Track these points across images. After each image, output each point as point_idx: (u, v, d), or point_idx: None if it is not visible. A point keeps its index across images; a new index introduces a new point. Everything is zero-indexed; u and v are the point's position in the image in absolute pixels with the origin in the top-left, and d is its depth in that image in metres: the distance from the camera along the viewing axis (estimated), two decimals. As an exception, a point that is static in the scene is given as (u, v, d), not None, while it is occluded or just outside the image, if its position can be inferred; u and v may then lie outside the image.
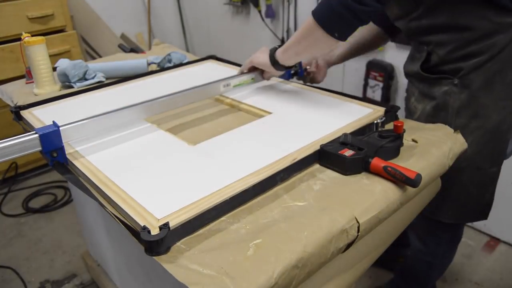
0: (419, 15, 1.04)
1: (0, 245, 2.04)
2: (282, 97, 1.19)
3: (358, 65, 2.21)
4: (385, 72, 2.12)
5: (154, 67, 1.50)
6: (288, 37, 2.62)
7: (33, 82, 1.33)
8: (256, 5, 2.69)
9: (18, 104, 1.19)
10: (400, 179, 0.78)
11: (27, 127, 1.08)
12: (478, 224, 2.01)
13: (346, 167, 0.83)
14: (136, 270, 1.12)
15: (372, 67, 2.17)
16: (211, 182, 0.78)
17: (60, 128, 0.86)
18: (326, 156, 0.86)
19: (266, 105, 1.13)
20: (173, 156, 0.89)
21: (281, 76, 1.31)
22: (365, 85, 2.25)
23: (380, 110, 1.06)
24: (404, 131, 0.89)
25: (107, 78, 1.38)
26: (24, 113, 1.13)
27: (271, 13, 2.65)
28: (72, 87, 1.32)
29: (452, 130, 0.98)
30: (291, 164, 0.83)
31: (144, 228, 0.65)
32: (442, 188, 1.07)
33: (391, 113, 1.04)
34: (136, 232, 0.66)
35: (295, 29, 2.58)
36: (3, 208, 2.30)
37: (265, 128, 1.00)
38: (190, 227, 0.68)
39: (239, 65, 1.43)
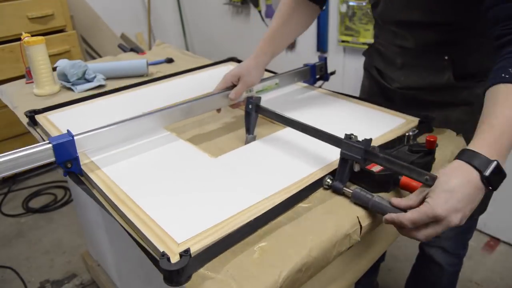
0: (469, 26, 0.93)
1: (0, 245, 2.04)
2: (307, 104, 1.12)
3: (357, 65, 2.21)
4: (385, 72, 2.11)
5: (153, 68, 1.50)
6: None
7: (33, 82, 1.33)
8: (256, 5, 2.69)
9: (33, 108, 1.13)
10: None
11: (40, 133, 1.05)
12: (478, 224, 2.00)
13: (374, 184, 0.76)
14: (136, 270, 1.12)
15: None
16: (234, 200, 0.73)
17: (75, 138, 0.82)
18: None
19: (291, 112, 1.03)
20: (194, 170, 0.84)
21: (305, 81, 1.25)
22: (365, 85, 2.25)
23: (414, 121, 0.99)
24: (437, 145, 0.82)
25: (107, 78, 1.38)
26: (39, 118, 1.09)
27: (271, 13, 2.65)
28: (71, 89, 1.32)
29: (455, 134, 0.97)
30: (318, 179, 0.78)
31: (163, 254, 0.60)
32: None
33: (425, 125, 0.97)
34: (155, 258, 0.62)
35: (295, 29, 2.57)
36: (3, 208, 2.30)
37: (291, 139, 0.92)
38: (212, 253, 0.63)
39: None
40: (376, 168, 0.76)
